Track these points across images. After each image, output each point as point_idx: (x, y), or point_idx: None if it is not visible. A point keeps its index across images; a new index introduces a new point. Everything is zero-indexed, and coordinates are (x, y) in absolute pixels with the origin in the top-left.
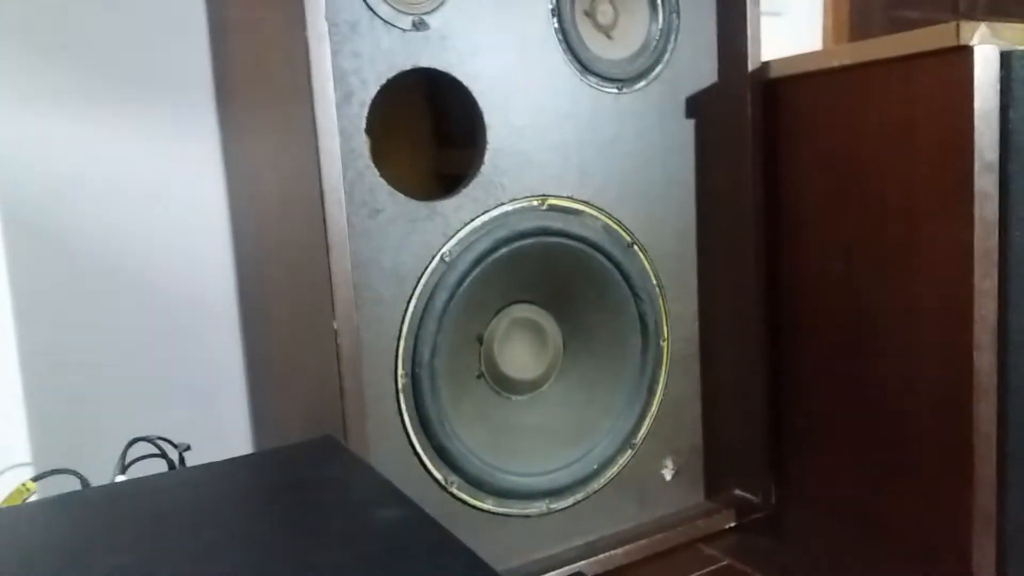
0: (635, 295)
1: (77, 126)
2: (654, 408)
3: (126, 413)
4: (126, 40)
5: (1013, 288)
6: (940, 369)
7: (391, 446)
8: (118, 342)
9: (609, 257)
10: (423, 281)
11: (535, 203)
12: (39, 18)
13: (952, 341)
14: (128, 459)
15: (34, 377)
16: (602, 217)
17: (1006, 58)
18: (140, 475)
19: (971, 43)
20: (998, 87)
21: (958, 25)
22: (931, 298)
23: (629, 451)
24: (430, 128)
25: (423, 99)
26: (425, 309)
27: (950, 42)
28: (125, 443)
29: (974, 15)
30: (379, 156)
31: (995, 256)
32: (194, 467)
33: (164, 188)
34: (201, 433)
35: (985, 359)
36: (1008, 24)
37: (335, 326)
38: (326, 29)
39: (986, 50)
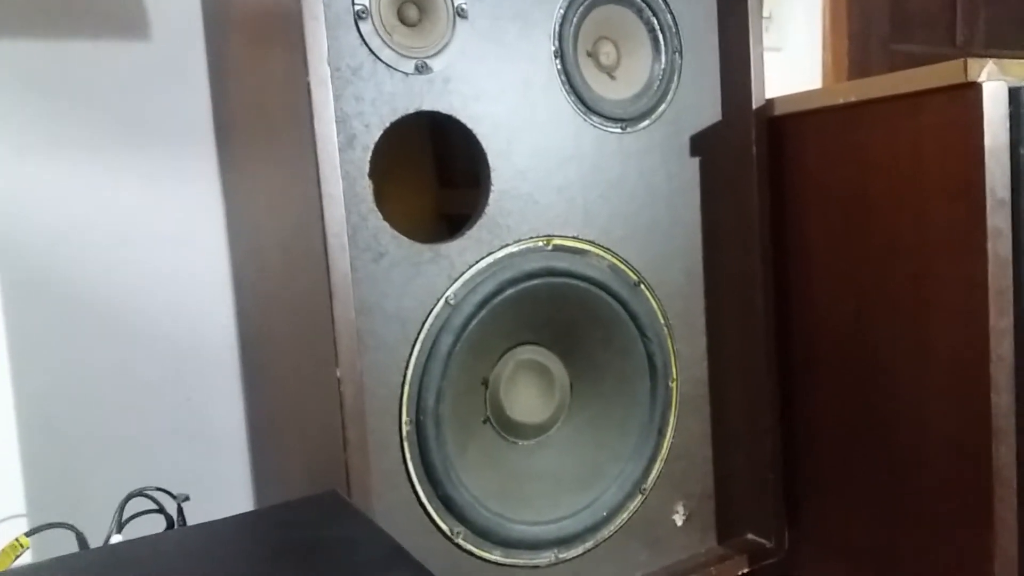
0: (643, 335)
1: (75, 173)
2: (664, 451)
3: (124, 462)
4: (125, 85)
5: None
6: (956, 410)
7: (396, 497)
8: (116, 390)
9: (616, 297)
10: (427, 325)
11: (540, 244)
12: (37, 65)
13: (968, 381)
14: (125, 514)
15: (30, 425)
16: (608, 256)
17: (1014, 94)
18: (138, 529)
19: (979, 80)
20: (1007, 124)
21: (966, 62)
22: (945, 337)
23: (639, 496)
24: (433, 168)
25: (426, 138)
26: (430, 354)
27: (958, 79)
28: (122, 494)
29: (972, 47)
30: (382, 197)
31: (1010, 294)
32: (194, 527)
33: (164, 234)
34: (201, 482)
35: (1004, 400)
36: (1015, 60)
37: (338, 375)
38: (328, 74)
39: (994, 86)
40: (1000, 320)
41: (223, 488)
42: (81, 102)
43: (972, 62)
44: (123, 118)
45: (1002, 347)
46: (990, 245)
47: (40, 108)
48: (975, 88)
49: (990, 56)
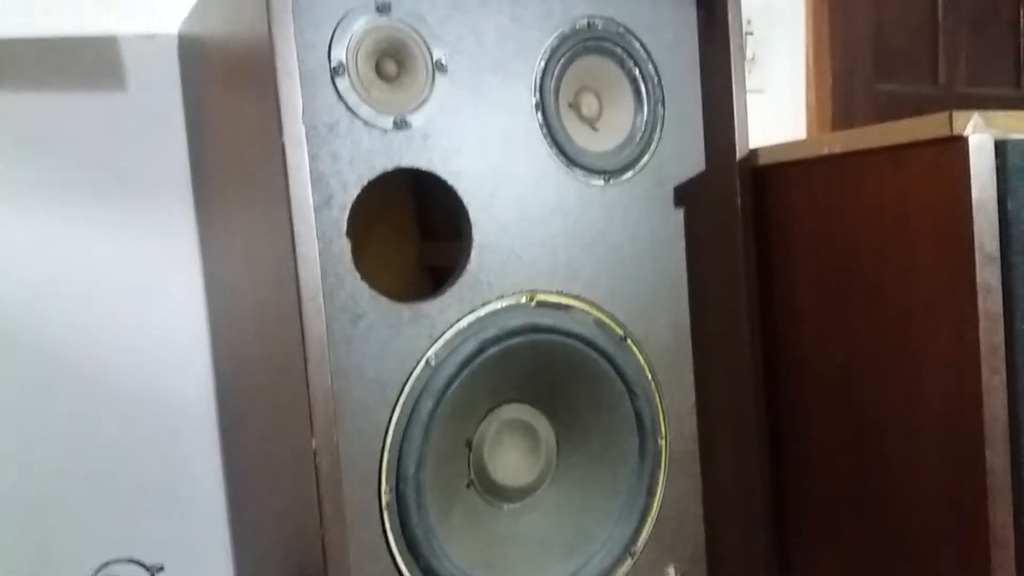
0: (630, 391)
1: (48, 224)
2: (654, 512)
3: (97, 527)
4: (101, 135)
5: (1022, 383)
6: (949, 468)
7: (376, 569)
8: (89, 451)
9: (602, 353)
10: (408, 388)
11: (523, 300)
12: (11, 115)
13: (961, 439)
14: None
15: None
16: (593, 311)
17: (1000, 147)
18: None
19: (965, 133)
20: (994, 177)
21: (951, 115)
22: (936, 393)
23: (629, 560)
24: (413, 219)
25: (407, 190)
26: (410, 418)
27: (943, 132)
28: (96, 560)
29: (954, 85)
30: (361, 252)
31: (1002, 351)
32: None
33: (139, 288)
34: (177, 547)
35: (998, 459)
36: (1001, 112)
37: (313, 445)
38: (304, 133)
39: (980, 139)
40: (992, 378)
41: (201, 553)
42: (55, 152)
43: (958, 115)
44: (99, 169)
45: (995, 405)
46: (980, 301)
47: (13, 157)
48: (961, 141)
49: (972, 95)
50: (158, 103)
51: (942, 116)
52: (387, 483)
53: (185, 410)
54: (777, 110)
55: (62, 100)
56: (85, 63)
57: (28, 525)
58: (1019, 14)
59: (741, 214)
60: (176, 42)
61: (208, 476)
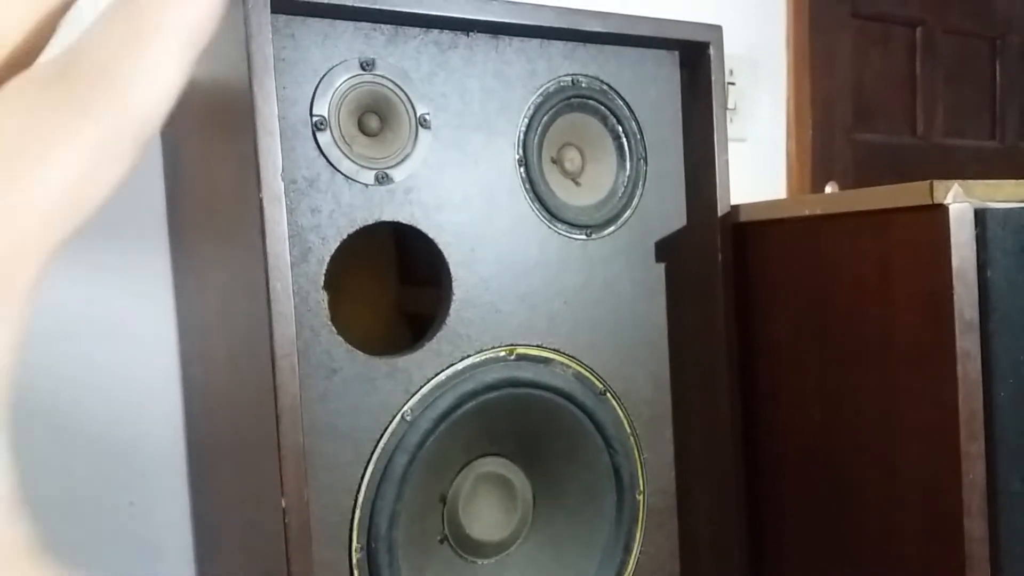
0: (608, 446)
1: None
2: (630, 569)
3: (61, 567)
4: None
5: (1001, 450)
6: (927, 534)
7: None
8: (54, 492)
9: (581, 407)
10: (382, 444)
11: (503, 353)
12: None
13: (938, 505)
14: None
15: None
16: (573, 365)
17: (980, 215)
18: None
19: (945, 201)
20: (974, 245)
21: (932, 184)
22: (913, 456)
23: None
24: (392, 265)
25: (385, 236)
26: (383, 475)
27: (924, 200)
28: None
29: (931, 136)
30: (338, 298)
31: (982, 417)
32: None
33: (110, 329)
34: None
35: (976, 526)
36: (980, 181)
37: (283, 505)
38: (282, 189)
39: (960, 208)
40: (971, 445)
41: None
42: None
43: (938, 184)
44: None
45: (974, 471)
46: (960, 368)
47: None
48: (941, 210)
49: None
50: None
51: (923, 185)
52: (358, 541)
53: (155, 451)
54: (758, 159)
55: None
56: None
57: None
58: (995, 67)
59: (722, 270)
60: None
61: (177, 520)
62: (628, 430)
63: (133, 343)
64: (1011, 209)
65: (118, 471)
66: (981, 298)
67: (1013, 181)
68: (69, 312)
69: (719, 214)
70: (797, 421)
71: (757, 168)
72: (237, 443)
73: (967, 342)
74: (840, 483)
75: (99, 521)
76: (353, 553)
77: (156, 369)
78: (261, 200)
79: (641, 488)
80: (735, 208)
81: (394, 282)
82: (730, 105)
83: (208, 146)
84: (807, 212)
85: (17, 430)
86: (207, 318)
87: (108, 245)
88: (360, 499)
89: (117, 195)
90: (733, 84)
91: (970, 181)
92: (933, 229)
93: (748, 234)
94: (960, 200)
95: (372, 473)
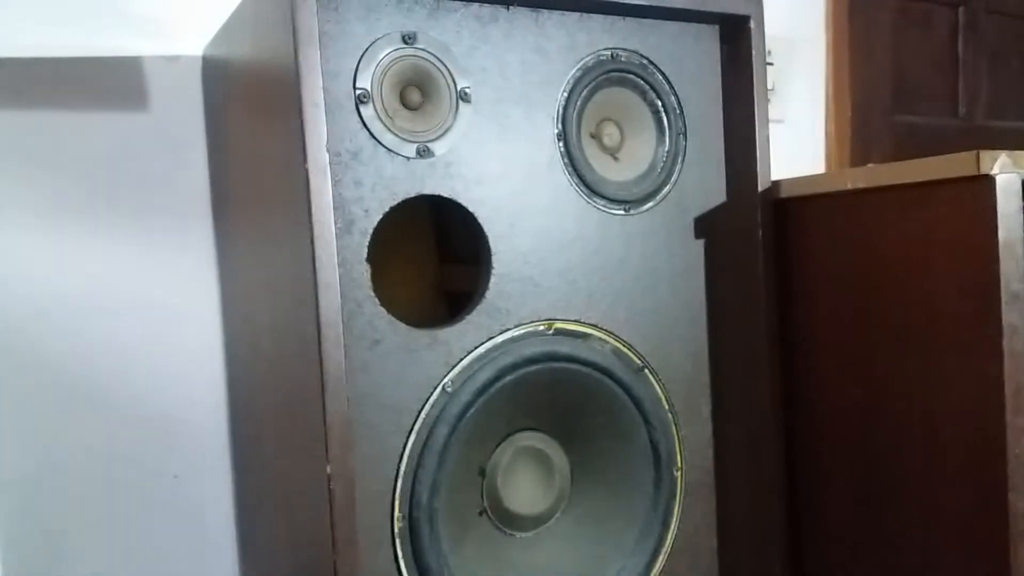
0: (646, 422)
1: (65, 243)
2: (668, 544)
3: (108, 541)
4: (121, 155)
5: None
6: (971, 511)
7: None
8: (101, 466)
9: (619, 382)
10: (423, 414)
11: (541, 328)
12: (36, 134)
13: (984, 483)
14: None
15: (8, 504)
16: (611, 340)
17: None
18: None
19: (992, 172)
20: (1021, 217)
21: (978, 154)
22: (957, 433)
23: None
24: (432, 243)
25: (426, 213)
26: (425, 444)
27: (970, 171)
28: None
29: (974, 118)
30: (379, 274)
31: None
32: None
33: (155, 306)
34: (185, 563)
35: (1021, 501)
36: None
37: (328, 471)
38: (328, 160)
39: (1007, 179)
40: (1017, 418)
41: (208, 570)
42: (76, 170)
43: (984, 154)
44: (119, 187)
45: (1020, 446)
46: (1005, 342)
47: (35, 175)
48: (988, 180)
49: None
50: (180, 123)
51: (969, 155)
52: (400, 510)
53: (198, 425)
54: (796, 140)
55: (85, 119)
56: (109, 83)
57: (40, 539)
58: None
59: (762, 246)
60: (199, 64)
61: (218, 494)
62: (666, 406)
63: (176, 318)
64: None
65: (162, 444)
66: None
67: None
68: (114, 289)
69: (759, 190)
70: (837, 398)
71: (794, 150)
72: (281, 413)
73: (1013, 315)
74: (881, 459)
75: (144, 493)
76: (395, 522)
77: (199, 343)
78: (307, 171)
79: (679, 464)
80: (776, 184)
81: (433, 260)
82: (768, 85)
83: (252, 120)
84: (849, 186)
85: (65, 408)
86: (251, 291)
87: (152, 223)
88: (402, 468)
89: (161, 175)
90: (771, 64)
91: (1018, 152)
92: (979, 200)
93: (788, 210)
94: (1008, 170)
95: (413, 443)
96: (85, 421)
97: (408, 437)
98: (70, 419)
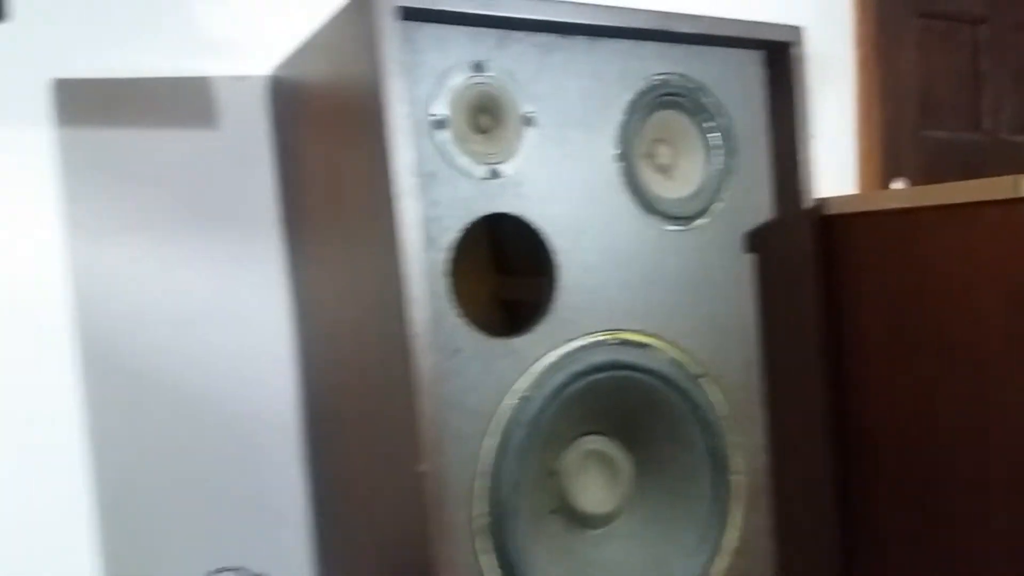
0: (704, 428)
1: (148, 255)
2: (726, 546)
3: (196, 534)
4: (194, 171)
5: None
6: (1020, 523)
7: None
8: (188, 465)
9: (678, 389)
10: (500, 418)
11: (606, 337)
12: (112, 152)
13: None
14: None
15: (108, 501)
16: (670, 349)
17: None
18: None
19: None
20: None
21: (1017, 179)
22: (1008, 445)
23: None
24: (489, 255)
25: (482, 227)
26: (504, 446)
27: (1009, 194)
28: (199, 565)
29: (998, 132)
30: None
31: None
32: None
33: (229, 314)
34: (265, 553)
35: None
36: None
37: (422, 469)
38: (415, 183)
39: None
40: None
41: (285, 560)
42: (153, 187)
43: (1021, 178)
44: (192, 203)
45: None
46: None
47: (114, 193)
48: None
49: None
50: (247, 140)
51: (1008, 180)
52: (478, 508)
53: (271, 430)
54: (827, 156)
55: (158, 137)
56: (180, 102)
57: (137, 533)
58: None
59: (810, 260)
60: (265, 83)
61: (291, 487)
62: (723, 413)
63: (250, 327)
64: None
65: (239, 445)
66: None
67: None
68: (192, 301)
69: (805, 207)
70: (887, 408)
71: (825, 165)
72: (364, 416)
73: None
74: (931, 469)
75: (223, 491)
76: (474, 519)
77: (271, 351)
78: (396, 193)
79: (736, 469)
80: (823, 201)
81: (491, 271)
82: None
83: (330, 140)
84: (895, 205)
85: (154, 411)
86: (327, 302)
87: (224, 239)
88: (478, 468)
89: (230, 190)
90: None
91: None
92: (1018, 221)
93: (836, 227)
94: None
95: (491, 445)
96: (174, 420)
97: (486, 439)
98: (160, 418)
